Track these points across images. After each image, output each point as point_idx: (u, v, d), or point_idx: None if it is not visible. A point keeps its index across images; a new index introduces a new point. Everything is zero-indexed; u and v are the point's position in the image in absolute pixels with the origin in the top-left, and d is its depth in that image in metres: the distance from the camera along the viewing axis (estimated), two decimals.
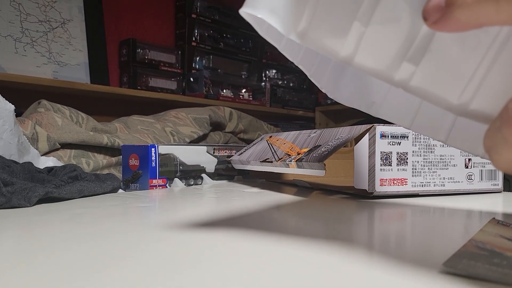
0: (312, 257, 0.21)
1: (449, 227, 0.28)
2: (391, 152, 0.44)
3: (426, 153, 0.46)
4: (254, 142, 0.63)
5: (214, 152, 0.64)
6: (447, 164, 0.47)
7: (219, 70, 1.55)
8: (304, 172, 0.44)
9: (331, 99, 1.79)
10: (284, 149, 0.51)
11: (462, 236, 0.26)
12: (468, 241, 0.22)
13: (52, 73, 1.14)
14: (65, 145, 0.68)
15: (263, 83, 1.65)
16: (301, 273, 0.18)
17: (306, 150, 0.46)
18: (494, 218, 0.28)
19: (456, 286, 0.16)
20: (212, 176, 0.63)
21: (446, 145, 0.47)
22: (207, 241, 0.24)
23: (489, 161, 0.48)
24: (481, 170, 0.49)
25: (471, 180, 0.48)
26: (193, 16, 1.46)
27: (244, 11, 0.18)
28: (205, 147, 0.63)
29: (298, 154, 0.46)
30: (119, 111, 1.31)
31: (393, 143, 0.44)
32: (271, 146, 0.55)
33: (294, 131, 0.56)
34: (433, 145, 0.46)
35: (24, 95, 1.10)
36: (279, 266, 0.19)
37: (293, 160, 0.45)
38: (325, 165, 0.41)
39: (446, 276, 0.17)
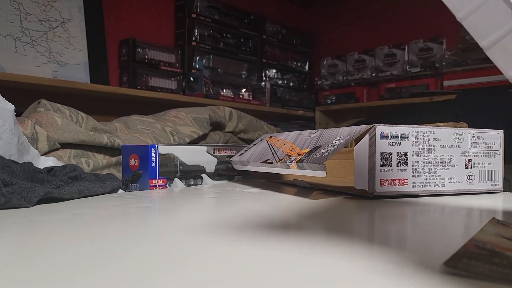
0: (312, 257, 0.21)
1: (449, 227, 0.28)
2: (391, 153, 0.44)
3: (426, 153, 0.46)
4: (254, 143, 0.63)
5: (214, 152, 0.64)
6: (447, 165, 0.47)
7: (219, 70, 1.55)
8: (304, 173, 0.44)
9: (331, 99, 1.80)
10: (284, 150, 0.51)
11: (462, 235, 0.26)
12: (468, 240, 0.22)
13: (52, 73, 1.14)
14: (65, 145, 0.68)
15: (263, 83, 1.65)
16: (302, 273, 0.18)
17: (306, 151, 0.46)
18: (494, 217, 0.28)
19: (456, 285, 0.16)
20: (212, 176, 0.63)
21: (446, 146, 0.47)
22: (207, 242, 0.24)
23: (489, 162, 0.48)
24: (481, 170, 0.49)
25: (471, 181, 0.48)
26: (193, 15, 1.46)
27: None
28: (205, 147, 0.63)
29: (299, 155, 0.46)
30: (119, 111, 1.31)
31: (393, 144, 0.44)
32: (271, 147, 0.55)
33: (294, 132, 0.56)
34: (433, 145, 0.46)
35: (24, 95, 1.10)
36: (281, 266, 0.19)
37: (293, 161, 0.45)
38: (325, 166, 0.41)
39: (447, 276, 0.17)
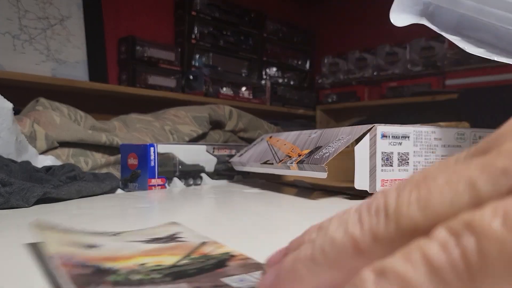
0: None
1: None
2: (392, 153, 0.44)
3: (427, 153, 0.45)
4: (254, 143, 0.63)
5: (213, 151, 0.63)
6: None
7: (219, 68, 1.54)
8: (305, 174, 0.44)
9: (332, 98, 1.79)
10: (284, 150, 0.51)
11: None
12: (55, 257, 0.17)
13: (51, 71, 1.13)
14: (64, 144, 0.68)
15: (263, 81, 1.64)
16: None
17: (307, 151, 0.46)
18: (37, 218, 0.23)
19: None
20: (211, 175, 0.63)
21: (447, 146, 0.46)
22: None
23: None
24: None
25: None
26: (193, 13, 1.46)
27: None
28: (205, 146, 0.62)
29: (299, 155, 0.46)
30: (118, 109, 1.30)
31: (394, 144, 0.44)
32: (271, 147, 0.54)
33: (295, 132, 0.55)
34: (435, 145, 0.46)
35: (23, 93, 1.09)
36: None
37: (294, 162, 0.45)
38: (326, 167, 0.40)
39: None
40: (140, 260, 0.18)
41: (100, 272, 0.16)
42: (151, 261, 0.18)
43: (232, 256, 0.19)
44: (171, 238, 0.22)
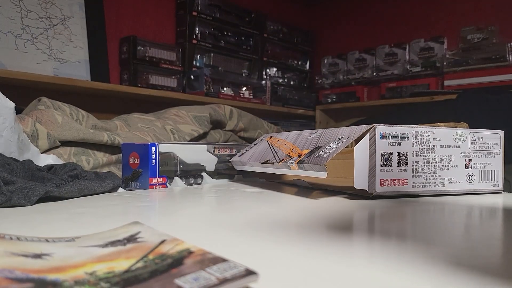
0: (313, 257, 0.21)
1: (450, 227, 0.29)
2: (391, 153, 0.44)
3: (427, 153, 0.46)
4: (254, 143, 0.63)
5: (214, 151, 0.64)
6: (447, 165, 0.47)
7: (219, 68, 1.55)
8: (305, 173, 0.44)
9: (332, 98, 1.79)
10: (285, 150, 0.51)
11: (462, 235, 0.26)
12: None
13: (53, 70, 1.14)
14: (65, 143, 0.68)
15: (263, 81, 1.65)
16: (301, 273, 0.18)
17: (307, 151, 0.46)
18: None
19: (459, 284, 0.16)
20: (212, 175, 0.63)
21: (446, 146, 0.47)
22: (208, 241, 0.24)
23: (490, 162, 0.48)
24: (481, 170, 0.49)
25: (471, 181, 0.48)
26: (194, 13, 1.46)
27: None
28: (205, 145, 0.63)
29: (299, 155, 0.46)
30: (119, 109, 1.30)
31: (394, 144, 0.44)
32: (271, 147, 0.55)
33: (294, 132, 0.56)
34: (434, 145, 0.46)
35: (24, 92, 1.10)
36: (280, 266, 0.19)
37: (294, 162, 0.45)
38: (326, 166, 0.41)
39: (448, 276, 0.17)
40: (91, 268, 0.17)
41: (42, 286, 0.15)
42: (103, 268, 0.17)
43: (191, 252, 0.19)
44: (130, 239, 0.21)
